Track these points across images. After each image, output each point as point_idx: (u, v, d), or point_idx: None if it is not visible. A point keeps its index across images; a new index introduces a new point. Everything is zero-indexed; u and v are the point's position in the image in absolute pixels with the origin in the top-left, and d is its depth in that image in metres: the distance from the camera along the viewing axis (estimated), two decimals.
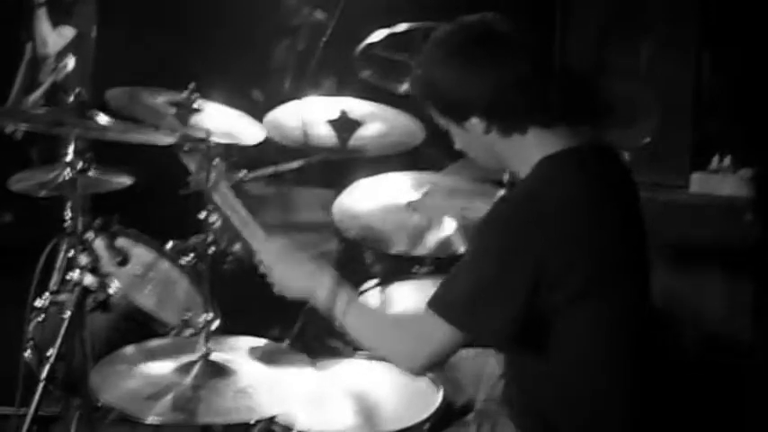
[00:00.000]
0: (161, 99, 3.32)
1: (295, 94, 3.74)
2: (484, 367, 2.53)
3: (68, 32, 4.65)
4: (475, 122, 2.10)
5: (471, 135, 2.13)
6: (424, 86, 2.16)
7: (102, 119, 2.83)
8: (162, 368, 2.39)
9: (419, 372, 2.22)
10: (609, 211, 2.12)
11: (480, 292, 2.00)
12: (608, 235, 2.09)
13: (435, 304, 2.05)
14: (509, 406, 2.26)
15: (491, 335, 2.05)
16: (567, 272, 1.99)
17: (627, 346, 2.13)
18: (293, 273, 2.24)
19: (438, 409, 2.44)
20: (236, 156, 3.50)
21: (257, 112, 3.47)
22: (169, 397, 2.26)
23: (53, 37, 4.62)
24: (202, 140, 2.92)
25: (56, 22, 4.67)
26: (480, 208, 3.13)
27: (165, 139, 2.99)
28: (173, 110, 3.29)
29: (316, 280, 2.19)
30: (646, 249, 2.17)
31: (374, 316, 2.29)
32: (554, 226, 2.00)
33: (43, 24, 4.61)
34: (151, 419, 2.21)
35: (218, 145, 3.37)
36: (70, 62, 4.57)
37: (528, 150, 2.12)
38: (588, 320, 2.05)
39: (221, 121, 3.37)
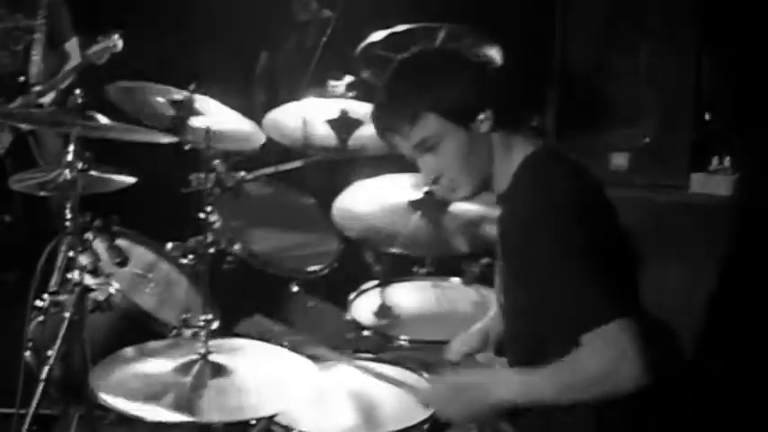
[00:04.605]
0: (161, 98, 3.32)
1: (303, 92, 3.75)
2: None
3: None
4: (483, 119, 2.11)
5: (473, 138, 2.12)
6: (428, 93, 2.12)
7: (102, 119, 2.83)
8: (162, 368, 2.39)
9: (641, 380, 1.96)
10: (603, 201, 2.16)
11: (608, 277, 1.99)
12: (608, 227, 2.12)
13: (590, 320, 1.98)
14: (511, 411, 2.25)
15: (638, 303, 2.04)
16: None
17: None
18: (469, 407, 2.16)
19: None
20: (236, 156, 3.51)
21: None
22: (169, 397, 2.26)
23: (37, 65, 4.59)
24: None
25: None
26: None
27: (164, 138, 2.99)
28: (171, 110, 3.30)
29: (493, 392, 2.12)
30: None
31: (560, 373, 2.06)
32: (596, 204, 2.08)
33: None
34: (151, 420, 2.21)
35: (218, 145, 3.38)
36: (119, 41, 4.51)
37: (510, 152, 2.16)
38: None
39: (221, 121, 3.37)
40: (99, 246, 2.75)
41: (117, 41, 4.52)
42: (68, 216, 2.69)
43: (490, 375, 2.26)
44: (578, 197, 2.07)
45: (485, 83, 2.14)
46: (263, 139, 3.50)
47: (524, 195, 2.12)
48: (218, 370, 2.38)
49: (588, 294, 1.99)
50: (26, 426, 2.65)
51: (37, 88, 4.55)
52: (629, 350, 1.95)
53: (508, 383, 2.12)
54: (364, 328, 3.02)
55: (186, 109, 3.29)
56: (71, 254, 2.69)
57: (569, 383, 2.02)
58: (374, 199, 3.32)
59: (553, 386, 2.04)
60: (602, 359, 1.97)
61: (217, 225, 3.31)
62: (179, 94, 3.34)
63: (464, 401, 2.15)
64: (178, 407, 2.23)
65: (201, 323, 2.46)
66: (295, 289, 3.44)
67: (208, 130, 2.83)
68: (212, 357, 2.40)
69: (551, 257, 2.02)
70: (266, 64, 5.19)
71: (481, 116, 2.11)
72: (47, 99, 4.53)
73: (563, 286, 2.01)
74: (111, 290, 2.85)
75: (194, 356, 2.40)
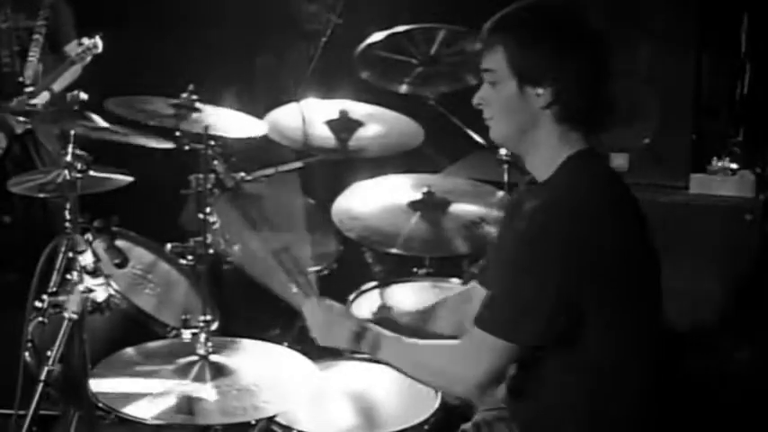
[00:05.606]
0: (160, 104, 3.33)
1: (302, 93, 3.75)
2: None
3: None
4: (541, 93, 2.08)
5: (523, 102, 2.09)
6: (512, 31, 2.10)
7: (100, 120, 2.83)
8: (161, 369, 2.39)
9: (478, 393, 2.11)
10: (632, 212, 2.14)
11: (526, 303, 2.00)
12: (634, 238, 2.10)
13: (482, 321, 2.04)
14: (511, 413, 2.26)
15: (537, 342, 2.03)
16: (602, 282, 2.01)
17: (648, 357, 2.13)
18: (331, 332, 2.22)
19: (437, 412, 2.44)
20: (236, 157, 3.51)
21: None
22: (169, 398, 2.26)
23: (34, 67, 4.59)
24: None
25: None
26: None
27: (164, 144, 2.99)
28: (171, 110, 3.30)
29: (352, 335, 2.18)
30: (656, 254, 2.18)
31: (416, 350, 2.18)
32: (591, 237, 2.01)
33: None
34: (150, 420, 2.21)
35: (218, 146, 3.38)
36: (99, 42, 4.50)
37: (560, 145, 2.12)
38: (614, 329, 2.06)
39: (220, 120, 3.38)
40: (98, 246, 2.74)
41: (98, 42, 4.51)
42: (68, 217, 2.68)
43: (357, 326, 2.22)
44: (590, 215, 2.04)
45: (559, 66, 2.06)
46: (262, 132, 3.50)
47: (552, 192, 2.10)
48: (219, 371, 2.38)
49: (502, 302, 2.03)
50: (26, 426, 2.65)
51: (29, 89, 4.54)
52: (482, 365, 2.02)
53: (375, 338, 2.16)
54: None
55: (185, 109, 3.30)
56: (71, 254, 2.69)
57: (422, 363, 2.12)
58: (374, 199, 3.32)
59: (408, 361, 2.14)
60: (458, 356, 2.06)
61: (216, 226, 3.31)
62: (177, 100, 3.34)
63: (330, 325, 2.20)
64: (178, 408, 2.23)
65: (201, 324, 2.46)
66: (294, 290, 3.43)
67: (206, 129, 2.84)
68: (212, 358, 2.41)
69: (511, 254, 2.06)
70: (269, 64, 5.18)
71: (539, 90, 2.07)
72: (39, 100, 4.52)
73: (497, 281, 2.07)
74: (111, 291, 2.84)
75: (194, 357, 2.41)
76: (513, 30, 2.11)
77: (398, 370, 2.18)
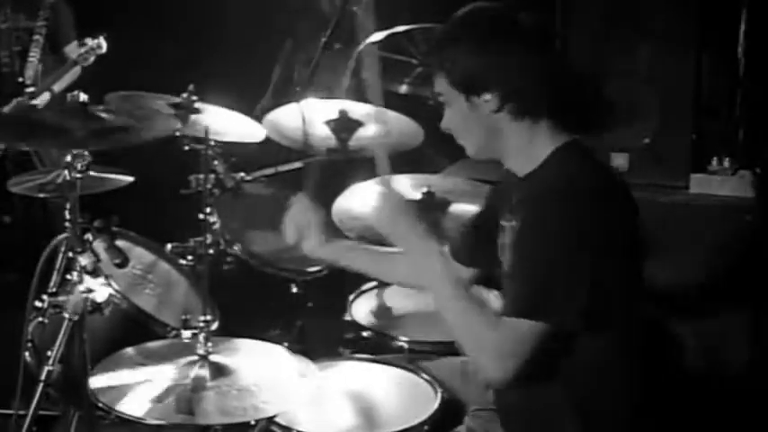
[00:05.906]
0: (160, 102, 3.33)
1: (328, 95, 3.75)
2: (474, 374, 2.54)
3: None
4: (489, 99, 2.10)
5: (476, 113, 2.12)
6: (442, 54, 2.15)
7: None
8: (161, 369, 2.39)
9: (507, 378, 2.05)
10: (628, 202, 2.15)
11: (551, 285, 2.01)
12: (630, 228, 2.12)
13: (510, 309, 2.04)
14: (502, 414, 2.26)
15: (567, 324, 2.03)
16: (613, 263, 2.04)
17: (636, 350, 2.14)
18: (405, 228, 2.24)
19: (437, 411, 2.44)
20: (236, 156, 3.51)
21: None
22: (169, 398, 2.26)
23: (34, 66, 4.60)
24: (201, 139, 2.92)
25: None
26: None
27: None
28: (171, 111, 3.30)
29: (424, 245, 2.20)
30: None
31: (472, 311, 2.12)
32: (600, 215, 2.04)
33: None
34: (150, 420, 2.21)
35: (218, 145, 3.38)
36: (103, 43, 4.51)
37: (535, 139, 2.14)
38: (611, 320, 2.07)
39: (220, 122, 3.38)
40: (98, 246, 2.75)
41: (101, 43, 4.51)
42: (68, 217, 2.69)
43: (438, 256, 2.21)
44: (596, 196, 2.06)
45: (497, 68, 2.09)
46: (262, 137, 3.51)
47: (548, 178, 2.11)
48: (219, 371, 2.38)
49: (527, 287, 2.03)
50: (26, 426, 2.66)
51: (29, 90, 4.54)
52: (516, 350, 2.00)
53: (438, 273, 2.14)
54: (364, 328, 3.02)
55: (186, 109, 3.30)
56: (71, 255, 2.70)
57: (466, 328, 2.08)
58: (374, 199, 3.31)
59: (456, 314, 2.10)
60: (496, 341, 2.02)
61: (216, 226, 3.32)
62: (177, 99, 3.34)
63: (405, 223, 2.24)
64: (178, 408, 2.23)
65: (201, 324, 2.46)
66: (294, 290, 3.44)
67: (207, 130, 2.83)
68: (212, 358, 2.41)
69: (531, 239, 2.06)
70: (288, 50, 5.15)
71: (486, 96, 2.10)
72: (39, 101, 4.52)
73: (518, 267, 2.07)
74: (111, 291, 2.84)
75: (194, 357, 2.41)
76: (444, 49, 2.17)
77: (437, 307, 2.15)
